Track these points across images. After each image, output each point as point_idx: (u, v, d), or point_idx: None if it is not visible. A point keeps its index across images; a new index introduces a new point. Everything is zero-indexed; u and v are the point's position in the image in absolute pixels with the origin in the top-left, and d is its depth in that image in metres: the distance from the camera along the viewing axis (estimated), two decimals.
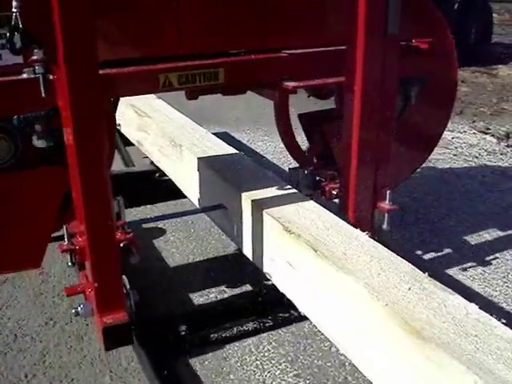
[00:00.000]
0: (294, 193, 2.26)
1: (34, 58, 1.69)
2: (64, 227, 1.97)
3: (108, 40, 1.88)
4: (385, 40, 2.03)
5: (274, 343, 2.41)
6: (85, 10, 1.59)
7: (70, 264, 2.00)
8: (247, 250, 2.29)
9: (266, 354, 2.36)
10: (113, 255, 1.88)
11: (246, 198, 2.22)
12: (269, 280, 2.23)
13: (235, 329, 2.46)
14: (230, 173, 2.42)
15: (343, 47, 2.14)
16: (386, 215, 2.27)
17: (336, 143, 2.40)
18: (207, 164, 2.56)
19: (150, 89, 2.00)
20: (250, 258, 2.28)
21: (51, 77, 1.75)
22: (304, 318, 2.09)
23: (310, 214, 2.11)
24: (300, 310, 2.01)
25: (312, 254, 1.86)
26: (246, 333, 2.45)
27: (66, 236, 1.97)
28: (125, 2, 1.93)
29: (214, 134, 3.12)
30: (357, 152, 2.17)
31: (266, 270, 2.18)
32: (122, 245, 1.97)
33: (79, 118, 1.69)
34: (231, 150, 2.76)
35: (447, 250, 3.17)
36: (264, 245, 2.15)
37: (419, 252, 3.14)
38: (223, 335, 2.43)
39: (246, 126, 5.43)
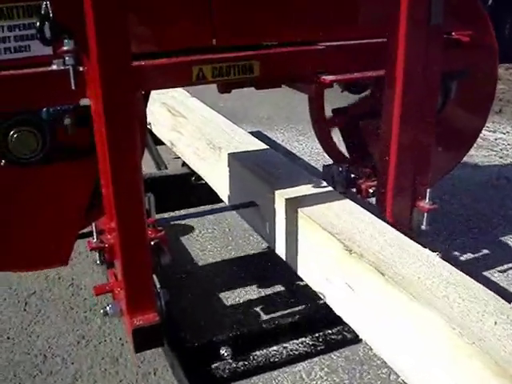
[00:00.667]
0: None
1: (64, 48, 1.62)
2: (93, 224, 1.91)
3: (139, 32, 1.81)
4: (428, 31, 1.93)
5: (326, 369, 2.23)
6: None
7: (98, 262, 1.93)
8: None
9: (319, 382, 2.18)
10: (144, 253, 1.81)
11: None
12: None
13: (284, 352, 2.18)
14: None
15: (383, 39, 2.06)
16: (426, 215, 2.17)
17: (373, 139, 2.30)
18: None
19: (183, 81, 1.92)
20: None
21: (81, 68, 1.69)
22: (358, 341, 1.96)
23: (365, 224, 1.96)
24: (361, 336, 1.85)
25: (378, 277, 1.67)
26: (295, 357, 2.18)
27: (94, 233, 1.91)
28: None
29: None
30: (396, 149, 2.07)
31: (317, 289, 2.02)
32: (152, 243, 1.90)
33: (111, 112, 1.61)
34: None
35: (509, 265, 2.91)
36: (306, 252, 2.04)
37: (476, 265, 2.90)
38: (271, 360, 2.16)
39: (278, 124, 5.25)
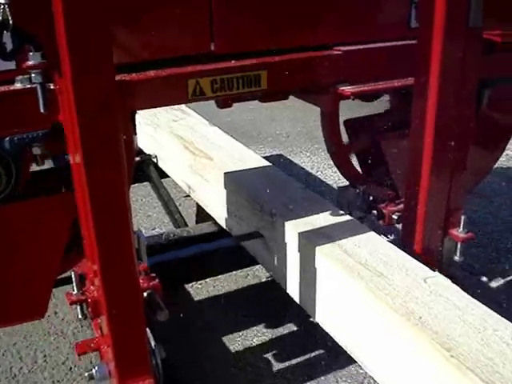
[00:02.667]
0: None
1: (30, 63, 1.30)
2: (72, 273, 1.59)
3: (121, 38, 1.49)
4: (466, 34, 1.63)
5: None
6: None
7: (80, 317, 1.61)
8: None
9: None
10: (135, 308, 1.49)
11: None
12: None
13: None
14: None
15: (409, 42, 1.76)
16: (459, 244, 1.88)
17: (394, 156, 2.01)
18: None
19: (177, 98, 1.59)
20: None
21: (52, 86, 1.37)
22: None
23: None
24: None
25: (443, 356, 1.33)
26: None
27: (74, 283, 1.59)
28: None
29: (266, 157, 2.58)
30: (429, 168, 1.77)
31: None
32: (145, 294, 1.58)
33: (89, 138, 1.29)
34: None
35: None
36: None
37: None
38: None
39: (301, 144, 4.46)
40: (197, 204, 2.78)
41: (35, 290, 1.68)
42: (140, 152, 3.02)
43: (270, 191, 2.04)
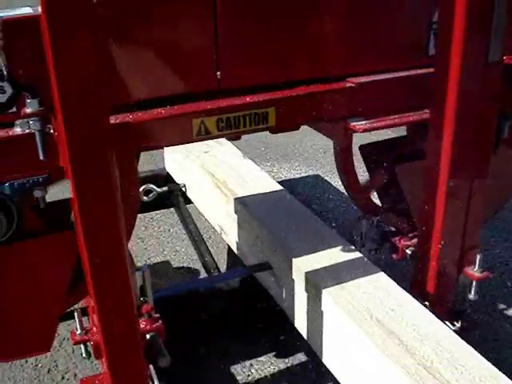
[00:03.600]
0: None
1: (27, 110, 1.27)
2: (75, 313, 1.57)
3: (117, 76, 1.45)
4: (485, 69, 1.55)
5: None
6: (85, 43, 1.15)
7: (84, 356, 1.60)
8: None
9: None
10: (134, 353, 1.47)
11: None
12: None
13: None
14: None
15: (426, 70, 1.68)
16: (475, 283, 1.81)
17: (410, 187, 1.93)
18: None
19: (181, 139, 1.55)
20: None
21: (51, 130, 1.34)
22: None
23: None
24: None
25: None
26: None
27: (77, 323, 1.57)
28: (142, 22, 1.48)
29: (303, 178, 2.49)
30: (444, 205, 1.70)
31: None
32: (148, 336, 1.55)
33: (84, 185, 1.27)
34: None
35: None
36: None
37: None
38: None
39: None
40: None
41: (41, 325, 1.67)
42: (167, 179, 2.88)
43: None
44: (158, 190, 1.95)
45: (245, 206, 2.19)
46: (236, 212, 2.24)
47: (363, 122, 1.65)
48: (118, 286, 1.42)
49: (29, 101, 1.27)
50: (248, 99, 1.56)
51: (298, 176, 3.68)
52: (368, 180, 2.05)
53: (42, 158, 1.31)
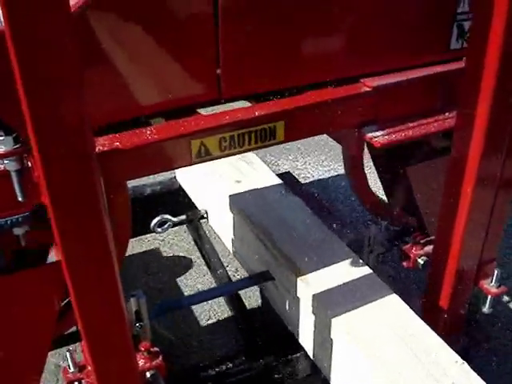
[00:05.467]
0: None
1: (1, 150, 1.08)
2: (67, 353, 1.43)
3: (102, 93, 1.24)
4: None
5: None
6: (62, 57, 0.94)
7: None
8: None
9: None
10: None
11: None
12: None
13: None
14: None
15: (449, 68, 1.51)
16: (490, 297, 1.70)
17: (424, 191, 1.78)
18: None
19: (178, 163, 1.36)
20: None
21: (30, 165, 1.15)
22: None
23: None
24: None
25: None
26: None
27: (69, 362, 1.43)
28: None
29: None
30: (466, 215, 1.55)
31: None
32: (148, 375, 1.43)
33: (66, 225, 1.09)
34: None
35: None
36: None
37: None
38: None
39: None
40: None
41: (29, 358, 1.54)
42: (189, 205, 2.44)
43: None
44: (175, 219, 1.79)
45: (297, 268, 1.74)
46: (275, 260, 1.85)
47: (381, 134, 1.47)
48: (110, 320, 1.27)
49: (2, 138, 1.08)
50: (254, 113, 1.37)
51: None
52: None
53: (20, 198, 1.13)
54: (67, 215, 1.09)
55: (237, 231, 2.09)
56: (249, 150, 1.40)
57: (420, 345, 1.49)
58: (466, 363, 1.45)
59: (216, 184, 2.20)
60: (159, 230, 1.86)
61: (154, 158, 1.31)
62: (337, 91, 1.46)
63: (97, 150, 1.21)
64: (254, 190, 2.11)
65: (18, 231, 1.28)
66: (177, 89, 1.33)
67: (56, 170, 1.03)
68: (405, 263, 1.82)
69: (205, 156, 1.35)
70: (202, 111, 1.42)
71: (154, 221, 1.86)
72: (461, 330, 1.80)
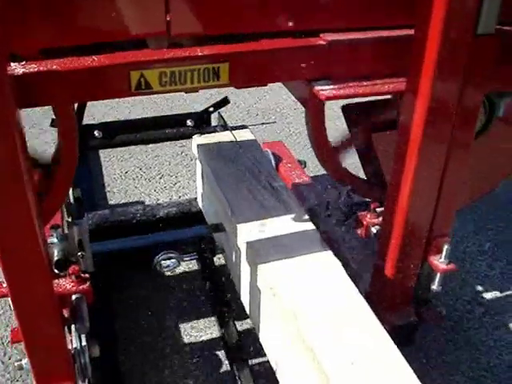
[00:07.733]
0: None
1: None
2: None
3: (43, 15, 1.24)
4: (474, 42, 1.33)
5: None
6: None
7: None
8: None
9: None
10: (48, 314, 1.37)
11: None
12: None
13: None
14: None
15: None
16: (439, 275, 1.66)
17: (387, 156, 1.75)
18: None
19: (118, 93, 1.38)
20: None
21: None
22: None
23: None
24: None
25: None
26: None
27: None
28: None
29: None
30: (412, 177, 1.51)
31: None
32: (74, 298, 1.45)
33: None
34: None
35: None
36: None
37: None
38: None
39: None
40: None
41: None
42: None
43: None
44: None
45: None
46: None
47: (329, 88, 1.45)
48: (23, 239, 1.25)
49: None
50: (198, 51, 1.37)
51: None
52: (339, 142, 1.87)
53: None
54: None
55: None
56: (191, 90, 1.41)
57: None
58: None
59: None
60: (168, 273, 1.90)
61: (93, 85, 1.33)
62: (289, 41, 1.45)
63: (35, 70, 1.25)
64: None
65: None
66: (125, 21, 1.34)
67: None
68: (358, 231, 1.80)
69: (145, 89, 1.36)
70: None
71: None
72: (407, 304, 1.77)
